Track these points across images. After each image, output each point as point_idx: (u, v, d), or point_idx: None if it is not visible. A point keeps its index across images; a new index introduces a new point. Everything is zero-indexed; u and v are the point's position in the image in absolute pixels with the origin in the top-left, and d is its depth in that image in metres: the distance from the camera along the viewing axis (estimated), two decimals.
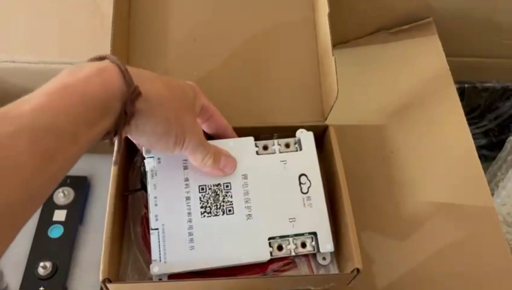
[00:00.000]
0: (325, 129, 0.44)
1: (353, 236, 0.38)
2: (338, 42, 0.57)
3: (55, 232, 0.52)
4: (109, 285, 0.36)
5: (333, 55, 0.41)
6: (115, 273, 0.38)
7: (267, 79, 0.45)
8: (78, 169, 0.58)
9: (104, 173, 0.59)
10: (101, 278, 0.35)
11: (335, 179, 0.42)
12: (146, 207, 0.42)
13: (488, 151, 0.73)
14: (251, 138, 0.42)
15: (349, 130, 0.46)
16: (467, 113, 0.53)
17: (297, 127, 0.43)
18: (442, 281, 0.43)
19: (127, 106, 0.30)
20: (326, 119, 0.44)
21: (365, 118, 0.53)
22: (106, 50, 0.49)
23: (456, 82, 0.55)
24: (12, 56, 0.50)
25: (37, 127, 0.25)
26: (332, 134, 0.43)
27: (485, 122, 0.72)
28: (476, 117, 0.71)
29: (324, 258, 0.40)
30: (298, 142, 0.42)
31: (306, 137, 0.42)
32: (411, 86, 0.55)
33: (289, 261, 0.41)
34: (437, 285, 0.43)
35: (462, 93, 0.56)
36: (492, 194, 0.50)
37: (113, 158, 0.38)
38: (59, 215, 0.54)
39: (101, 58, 0.31)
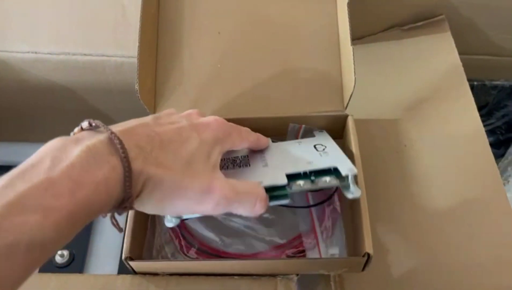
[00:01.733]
0: (345, 118, 0.46)
1: (366, 222, 0.38)
2: (352, 38, 0.58)
3: None
4: (131, 263, 0.37)
5: (351, 45, 0.42)
6: (138, 253, 0.40)
7: (291, 69, 0.46)
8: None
9: None
10: (123, 256, 0.37)
11: None
12: None
13: (494, 149, 0.73)
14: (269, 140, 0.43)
15: (363, 124, 0.47)
16: None
17: (318, 117, 0.45)
18: (456, 271, 0.44)
19: (118, 209, 0.30)
20: (346, 108, 0.45)
21: (378, 113, 0.54)
22: (128, 41, 0.51)
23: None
24: (34, 47, 0.51)
25: (33, 244, 0.24)
26: (352, 123, 0.44)
27: (492, 120, 0.73)
28: (484, 115, 0.72)
29: (352, 193, 0.37)
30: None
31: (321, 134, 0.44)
32: (425, 82, 0.56)
33: (301, 250, 0.42)
34: (452, 276, 0.44)
35: (471, 90, 0.57)
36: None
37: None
38: None
39: (110, 140, 0.29)
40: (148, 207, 0.32)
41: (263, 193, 0.35)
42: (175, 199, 0.31)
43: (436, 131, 0.52)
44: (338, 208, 0.43)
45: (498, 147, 0.74)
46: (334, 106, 0.45)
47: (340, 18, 0.46)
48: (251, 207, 0.34)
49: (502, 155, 0.73)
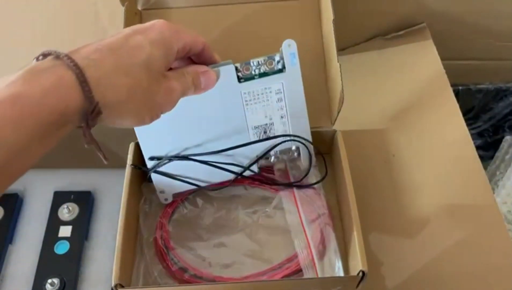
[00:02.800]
0: (333, 134, 0.45)
1: (359, 239, 0.38)
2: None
3: (61, 248, 0.52)
4: None
5: (338, 62, 0.42)
6: (127, 279, 0.39)
7: None
8: (82, 184, 0.60)
9: (108, 188, 0.60)
10: (113, 283, 0.36)
11: (342, 184, 0.42)
12: (161, 216, 0.44)
13: (483, 151, 0.74)
14: (232, 66, 0.40)
15: (350, 135, 0.47)
16: (462, 115, 0.54)
17: None
18: (450, 280, 0.44)
19: (88, 120, 0.28)
20: (333, 124, 0.45)
21: (365, 123, 0.54)
22: None
23: (450, 84, 0.56)
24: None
25: None
26: (340, 139, 0.44)
27: (479, 123, 0.73)
28: (471, 118, 0.73)
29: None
30: (281, 60, 0.40)
31: (290, 52, 0.40)
32: (409, 90, 0.56)
33: (298, 270, 0.41)
34: (445, 284, 0.44)
35: (456, 95, 0.57)
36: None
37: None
38: (65, 231, 0.54)
39: (56, 56, 0.28)
40: (114, 124, 0.31)
41: (203, 67, 0.37)
42: (145, 106, 0.32)
43: (423, 139, 0.52)
44: (332, 226, 0.43)
45: (487, 149, 0.75)
46: (321, 121, 0.45)
47: (325, 35, 0.46)
48: (199, 84, 0.36)
49: (491, 157, 0.73)
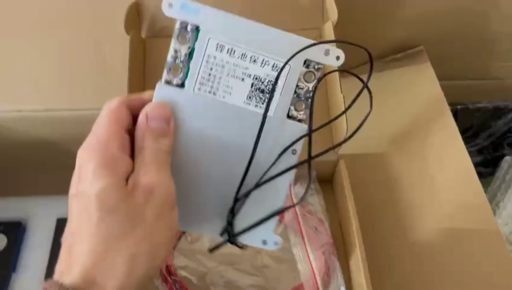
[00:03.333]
0: (335, 162, 0.45)
1: (365, 269, 0.38)
2: None
3: None
4: None
5: (341, 92, 0.42)
6: None
7: None
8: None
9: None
10: None
11: (345, 213, 0.43)
12: None
13: (483, 168, 0.74)
14: (160, 84, 0.31)
15: (350, 159, 0.47)
16: (461, 133, 0.54)
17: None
18: None
19: None
20: (336, 153, 0.45)
21: (365, 146, 0.54)
22: (111, 93, 0.50)
23: (448, 104, 0.57)
24: (17, 105, 0.50)
25: None
26: (343, 167, 0.44)
27: (479, 141, 0.74)
28: (470, 136, 0.73)
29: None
30: (185, 24, 0.30)
31: (181, 3, 0.29)
32: (408, 113, 0.57)
33: None
34: None
35: (455, 114, 0.58)
36: (494, 214, 0.52)
37: None
38: None
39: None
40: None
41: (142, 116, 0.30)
42: (154, 237, 0.28)
43: (423, 162, 0.53)
44: (336, 256, 0.43)
45: (487, 166, 0.75)
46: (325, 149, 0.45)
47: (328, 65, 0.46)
48: (161, 130, 0.29)
49: (491, 174, 0.74)
